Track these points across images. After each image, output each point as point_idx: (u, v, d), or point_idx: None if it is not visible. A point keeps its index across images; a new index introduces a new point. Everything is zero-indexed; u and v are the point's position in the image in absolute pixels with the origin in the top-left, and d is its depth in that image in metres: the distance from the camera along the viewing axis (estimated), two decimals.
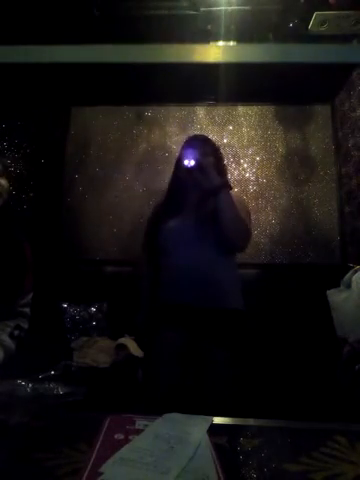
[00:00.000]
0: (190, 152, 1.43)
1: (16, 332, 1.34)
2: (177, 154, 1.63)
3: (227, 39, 1.82)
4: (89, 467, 0.48)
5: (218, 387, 1.17)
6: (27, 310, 1.43)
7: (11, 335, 1.31)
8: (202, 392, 1.18)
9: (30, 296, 1.44)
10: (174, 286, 1.35)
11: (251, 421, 0.66)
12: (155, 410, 0.93)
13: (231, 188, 1.37)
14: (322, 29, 1.75)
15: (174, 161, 1.62)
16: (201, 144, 1.51)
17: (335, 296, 1.86)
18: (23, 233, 1.47)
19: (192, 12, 1.76)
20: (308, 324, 2.02)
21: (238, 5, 1.72)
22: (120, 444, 0.53)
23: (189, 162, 1.40)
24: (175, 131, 2.61)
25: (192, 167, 1.39)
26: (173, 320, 1.31)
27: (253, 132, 2.57)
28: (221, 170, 1.51)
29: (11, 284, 1.34)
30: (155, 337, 1.30)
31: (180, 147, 1.60)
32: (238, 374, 1.27)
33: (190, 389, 1.24)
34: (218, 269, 1.35)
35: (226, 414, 0.68)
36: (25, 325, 1.39)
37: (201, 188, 1.37)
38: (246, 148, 2.56)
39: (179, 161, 1.53)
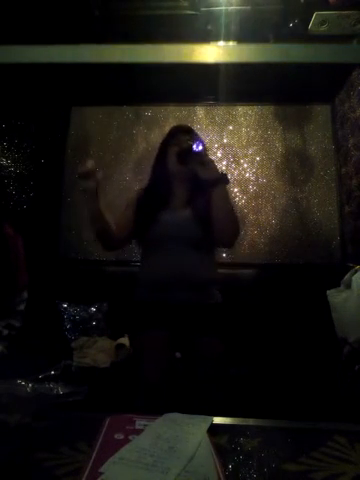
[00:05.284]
0: (188, 142, 1.28)
1: (5, 332, 1.32)
2: (161, 143, 1.49)
3: (227, 39, 1.82)
4: (89, 467, 0.48)
5: (214, 378, 1.16)
6: (21, 308, 1.41)
7: None
8: (198, 385, 1.16)
9: (25, 293, 1.43)
10: (159, 284, 1.31)
11: (251, 421, 0.66)
12: (151, 410, 0.93)
13: (228, 182, 1.29)
14: (322, 29, 1.75)
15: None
16: (195, 134, 1.39)
17: (335, 296, 1.86)
18: (14, 228, 1.45)
19: (192, 12, 1.76)
20: (308, 324, 2.02)
21: (238, 5, 1.72)
22: (120, 444, 0.53)
23: (188, 152, 1.24)
24: None
25: (191, 158, 1.24)
26: (158, 318, 1.26)
27: (253, 132, 2.57)
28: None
29: (1, 282, 1.32)
30: (139, 335, 1.26)
31: (168, 136, 1.45)
32: (229, 365, 1.26)
33: (184, 386, 1.24)
34: (203, 267, 1.32)
35: (224, 411, 0.67)
36: (17, 323, 1.38)
37: (198, 180, 1.27)
38: (246, 148, 2.56)
39: (168, 150, 1.39)
